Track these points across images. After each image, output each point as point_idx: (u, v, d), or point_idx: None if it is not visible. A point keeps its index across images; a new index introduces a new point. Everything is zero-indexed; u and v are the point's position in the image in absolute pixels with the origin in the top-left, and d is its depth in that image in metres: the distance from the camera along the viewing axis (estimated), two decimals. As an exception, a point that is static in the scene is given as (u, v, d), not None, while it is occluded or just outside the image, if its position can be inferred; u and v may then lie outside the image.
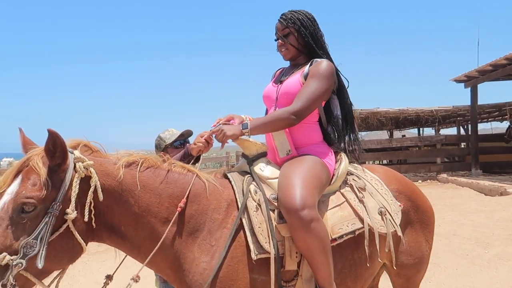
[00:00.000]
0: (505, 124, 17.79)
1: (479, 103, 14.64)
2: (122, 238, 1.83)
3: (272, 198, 1.97)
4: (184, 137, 3.22)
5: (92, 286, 4.98)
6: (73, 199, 1.66)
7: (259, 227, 1.88)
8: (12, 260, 1.53)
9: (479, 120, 18.24)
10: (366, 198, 2.18)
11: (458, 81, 14.56)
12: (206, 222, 1.90)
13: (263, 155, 2.17)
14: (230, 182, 2.06)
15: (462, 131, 19.67)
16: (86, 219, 1.69)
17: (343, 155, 2.30)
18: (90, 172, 1.72)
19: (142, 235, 1.83)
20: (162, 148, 3.15)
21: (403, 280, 2.40)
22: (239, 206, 1.93)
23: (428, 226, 2.45)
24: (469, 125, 16.45)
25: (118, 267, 1.98)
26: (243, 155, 2.20)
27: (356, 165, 2.44)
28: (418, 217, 2.39)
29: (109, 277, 1.91)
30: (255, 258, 1.83)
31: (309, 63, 2.21)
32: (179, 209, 1.84)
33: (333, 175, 2.19)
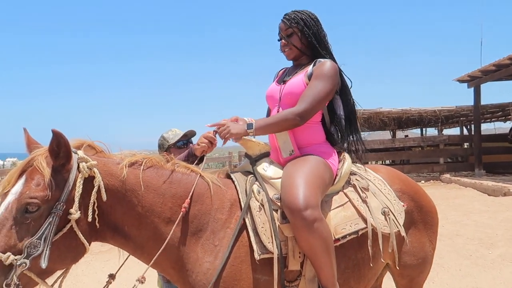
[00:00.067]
0: (509, 124, 17.73)
1: (482, 103, 14.60)
2: (126, 238, 1.83)
3: (275, 198, 1.97)
4: (187, 138, 3.22)
5: (95, 286, 4.99)
6: (76, 199, 1.67)
7: (262, 227, 1.88)
8: (16, 260, 1.54)
9: (482, 120, 18.18)
10: (369, 198, 2.17)
11: (461, 81, 14.52)
12: (209, 222, 1.90)
13: (266, 155, 2.17)
14: (233, 182, 2.06)
15: (465, 131, 19.62)
16: (89, 219, 1.70)
17: (346, 155, 2.30)
18: (94, 172, 1.72)
19: (146, 235, 1.84)
20: (165, 148, 3.15)
21: (407, 280, 2.39)
22: (242, 206, 1.93)
23: (432, 226, 2.44)
24: (472, 125, 16.38)
25: (121, 266, 1.98)
26: (246, 155, 2.20)
27: (359, 165, 2.44)
28: (421, 217, 2.38)
29: (111, 276, 1.91)
30: (258, 258, 1.83)
31: (313, 63, 2.21)
32: (183, 209, 1.84)
33: (336, 175, 2.19)
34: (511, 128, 15.66)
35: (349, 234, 2.03)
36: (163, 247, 1.80)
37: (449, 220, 7.39)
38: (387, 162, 18.45)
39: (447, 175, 14.11)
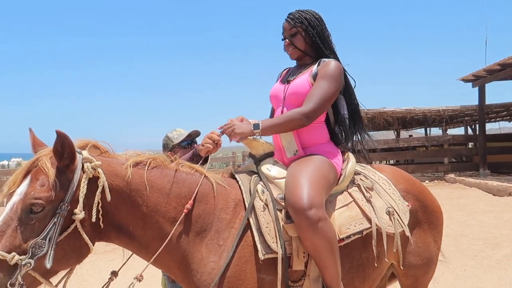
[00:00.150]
0: (514, 124, 17.64)
1: (487, 102, 14.52)
2: (130, 238, 1.84)
3: (279, 198, 1.97)
4: (191, 138, 3.22)
5: (100, 285, 4.99)
6: (81, 200, 1.67)
7: (266, 227, 1.88)
8: (21, 260, 1.54)
9: (487, 120, 18.11)
10: (373, 198, 2.17)
11: (465, 80, 14.45)
12: (213, 221, 1.90)
13: (270, 155, 2.17)
14: (237, 182, 2.06)
15: (470, 131, 19.54)
16: (94, 219, 1.70)
17: (350, 154, 2.30)
18: (98, 172, 1.72)
19: (150, 234, 1.84)
20: (170, 148, 3.15)
21: (411, 280, 2.38)
22: (247, 206, 1.93)
23: (437, 226, 2.43)
24: (477, 125, 16.32)
25: (123, 264, 1.99)
26: (250, 155, 2.20)
27: (363, 164, 2.43)
28: (426, 217, 2.37)
29: (114, 273, 1.91)
30: (262, 258, 1.83)
31: (317, 63, 2.21)
32: (185, 210, 1.84)
33: (341, 174, 2.19)
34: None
35: (354, 234, 2.02)
36: (164, 244, 1.80)
37: (453, 220, 7.36)
38: (391, 162, 18.41)
39: (452, 175, 14.05)
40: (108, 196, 1.73)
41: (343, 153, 2.30)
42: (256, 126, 2.05)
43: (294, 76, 2.28)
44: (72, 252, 1.69)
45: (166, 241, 1.81)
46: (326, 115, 2.26)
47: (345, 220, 2.04)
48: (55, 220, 1.62)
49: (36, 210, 1.60)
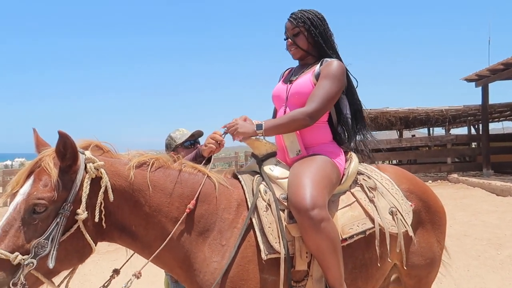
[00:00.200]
0: (517, 124, 17.58)
1: (490, 102, 14.48)
2: (133, 238, 1.84)
3: (282, 198, 1.97)
4: (194, 138, 3.23)
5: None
6: (83, 200, 1.67)
7: (269, 227, 1.87)
8: (23, 259, 1.54)
9: (490, 120, 18.04)
10: (376, 198, 2.16)
11: (469, 80, 14.41)
12: (216, 221, 1.90)
13: (272, 155, 2.16)
14: (240, 182, 2.06)
15: (473, 131, 19.48)
16: (96, 219, 1.70)
17: (353, 154, 2.29)
18: (101, 172, 1.73)
19: (153, 234, 1.84)
20: (173, 147, 3.16)
21: (415, 281, 2.37)
22: (249, 206, 1.92)
23: (440, 226, 2.42)
24: (480, 125, 16.27)
25: (126, 261, 1.99)
26: (253, 155, 2.20)
27: (366, 164, 2.43)
28: (429, 217, 2.37)
29: (116, 271, 1.91)
30: (265, 258, 1.83)
31: (319, 63, 2.21)
32: (187, 210, 1.84)
33: (343, 174, 2.18)
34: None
35: (357, 234, 2.02)
36: (164, 243, 1.80)
37: (457, 220, 7.34)
38: (394, 162, 18.38)
39: (455, 175, 14.02)
40: (111, 196, 1.73)
41: (345, 153, 2.30)
42: (259, 126, 2.05)
43: (297, 76, 2.28)
44: (74, 252, 1.69)
45: (166, 240, 1.81)
46: (328, 115, 2.26)
47: (348, 220, 2.04)
48: (58, 220, 1.62)
49: (39, 210, 1.60)
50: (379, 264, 2.09)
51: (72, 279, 1.79)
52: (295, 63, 2.44)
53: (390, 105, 16.40)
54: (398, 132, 23.94)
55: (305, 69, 2.28)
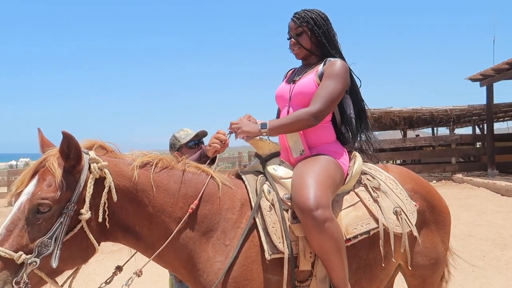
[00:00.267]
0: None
1: (495, 102, 14.40)
2: (137, 238, 1.84)
3: (286, 198, 1.96)
4: (198, 138, 3.23)
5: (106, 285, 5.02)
6: (87, 200, 1.67)
7: (272, 227, 1.87)
8: (27, 258, 1.55)
9: (495, 119, 17.95)
10: (380, 198, 2.15)
11: (473, 79, 14.33)
12: (220, 221, 1.90)
13: (276, 155, 2.16)
14: (243, 182, 2.05)
15: (478, 131, 19.38)
16: (100, 219, 1.71)
17: (357, 154, 2.29)
18: (105, 173, 1.73)
19: (157, 234, 1.84)
20: (177, 147, 3.16)
21: (419, 281, 2.36)
22: (253, 206, 1.92)
23: (444, 226, 2.41)
24: (485, 125, 16.18)
25: (129, 258, 1.99)
26: (256, 155, 2.20)
27: (370, 164, 2.42)
28: (433, 218, 2.36)
29: (119, 268, 1.91)
30: (269, 258, 1.82)
31: (323, 63, 2.20)
32: (190, 210, 1.84)
33: (347, 174, 2.18)
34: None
35: (361, 234, 2.01)
36: (166, 242, 1.81)
37: (461, 220, 7.31)
38: (398, 162, 18.32)
39: (459, 175, 13.95)
40: (115, 197, 1.73)
41: (349, 152, 2.29)
42: (263, 125, 2.05)
43: (300, 76, 2.28)
44: (78, 252, 1.70)
45: (169, 239, 1.81)
46: (332, 115, 2.26)
47: (352, 220, 2.03)
48: (62, 220, 1.63)
49: (43, 210, 1.61)
50: (383, 264, 2.09)
51: (76, 279, 1.80)
52: (298, 63, 2.44)
53: (394, 104, 16.37)
54: (402, 132, 23.88)
55: (308, 69, 2.28)
